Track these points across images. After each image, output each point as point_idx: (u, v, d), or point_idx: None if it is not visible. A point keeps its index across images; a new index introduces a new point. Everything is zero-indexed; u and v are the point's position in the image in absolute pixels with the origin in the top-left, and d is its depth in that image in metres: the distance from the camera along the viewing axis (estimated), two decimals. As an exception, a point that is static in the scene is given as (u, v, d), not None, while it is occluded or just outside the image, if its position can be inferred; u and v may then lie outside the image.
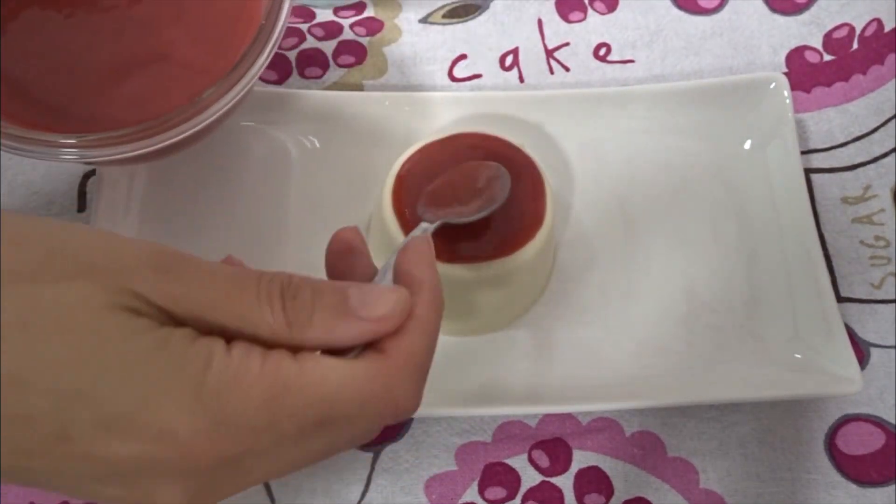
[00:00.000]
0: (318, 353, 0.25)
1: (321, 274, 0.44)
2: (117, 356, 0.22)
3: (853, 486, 0.41)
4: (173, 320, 0.23)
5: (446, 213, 0.37)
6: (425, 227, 0.35)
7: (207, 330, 0.23)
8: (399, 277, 0.28)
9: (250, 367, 0.23)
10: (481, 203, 0.38)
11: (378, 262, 0.42)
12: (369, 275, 0.29)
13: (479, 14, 0.53)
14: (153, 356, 0.22)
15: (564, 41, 0.52)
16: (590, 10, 0.53)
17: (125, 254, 0.23)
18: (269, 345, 0.24)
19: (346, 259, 0.29)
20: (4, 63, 0.38)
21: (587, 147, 0.48)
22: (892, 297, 0.45)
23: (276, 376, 0.23)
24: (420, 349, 0.26)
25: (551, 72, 0.51)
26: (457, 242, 0.39)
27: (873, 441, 0.42)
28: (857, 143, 0.49)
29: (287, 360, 0.24)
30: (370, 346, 0.26)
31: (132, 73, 0.39)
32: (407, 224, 0.40)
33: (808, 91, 0.50)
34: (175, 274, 0.23)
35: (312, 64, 0.51)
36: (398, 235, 0.40)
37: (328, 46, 0.52)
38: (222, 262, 0.28)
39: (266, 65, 0.37)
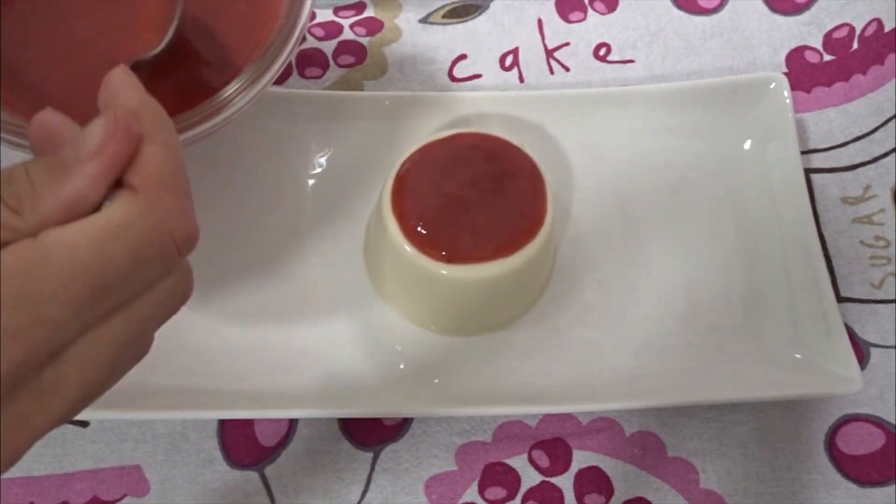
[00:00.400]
0: (63, 225, 0.22)
1: (328, 277, 0.43)
2: None
3: (853, 486, 0.41)
4: None
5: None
6: None
7: None
8: (106, 110, 0.24)
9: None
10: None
11: (373, 264, 0.42)
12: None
13: (479, 14, 0.53)
14: None
15: (564, 41, 0.52)
16: (590, 10, 0.53)
17: None
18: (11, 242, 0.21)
19: (54, 143, 0.24)
20: (5, 51, 0.37)
21: (587, 147, 0.48)
22: (892, 297, 0.45)
23: (16, 267, 0.20)
24: (167, 166, 0.24)
25: (551, 72, 0.51)
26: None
27: (873, 441, 0.42)
28: (857, 143, 0.49)
29: (24, 245, 0.21)
30: (117, 188, 0.23)
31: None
32: (407, 224, 0.40)
33: (808, 91, 0.50)
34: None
35: (312, 64, 0.51)
36: (398, 235, 0.40)
37: (328, 46, 0.52)
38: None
39: (286, 63, 0.37)
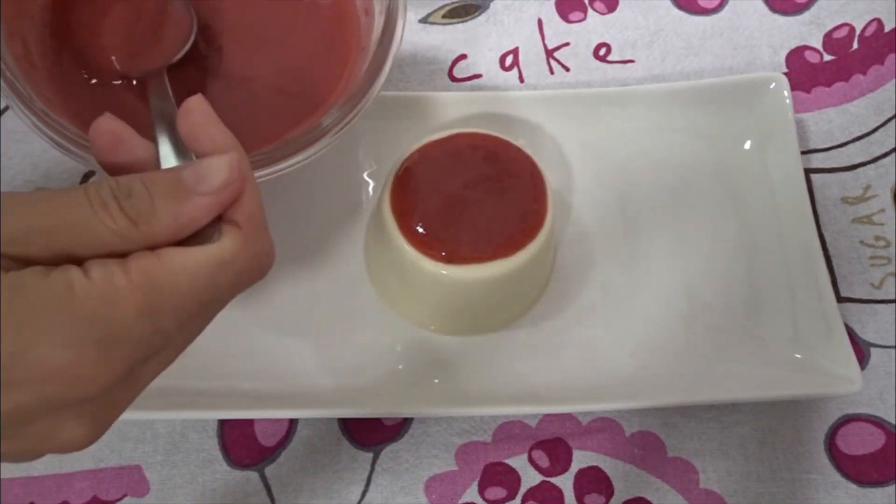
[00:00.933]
0: (180, 247, 0.24)
1: (328, 276, 0.43)
2: None
3: (853, 486, 0.41)
4: (18, 263, 0.22)
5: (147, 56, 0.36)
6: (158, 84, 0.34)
7: (57, 260, 0.23)
8: (196, 143, 0.27)
9: (115, 282, 0.22)
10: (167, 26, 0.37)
11: (373, 265, 0.42)
12: (151, 155, 0.27)
13: (479, 14, 0.53)
14: (12, 304, 0.21)
15: (564, 41, 0.52)
16: (590, 10, 0.53)
17: None
18: (124, 253, 0.23)
19: (118, 151, 0.27)
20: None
21: (587, 147, 0.48)
22: (892, 297, 0.45)
23: (145, 282, 0.23)
24: (259, 205, 0.26)
25: (551, 72, 0.51)
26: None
27: (873, 441, 0.42)
28: (857, 143, 0.49)
29: (149, 260, 0.23)
30: (220, 220, 0.25)
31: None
32: (407, 224, 0.40)
33: (808, 91, 0.50)
34: (6, 214, 0.22)
35: (312, 64, 0.51)
36: (398, 235, 0.40)
37: (328, 46, 0.52)
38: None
39: (381, 87, 0.37)
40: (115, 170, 0.27)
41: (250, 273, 0.26)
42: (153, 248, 0.24)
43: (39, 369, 0.21)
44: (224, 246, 0.25)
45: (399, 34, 0.38)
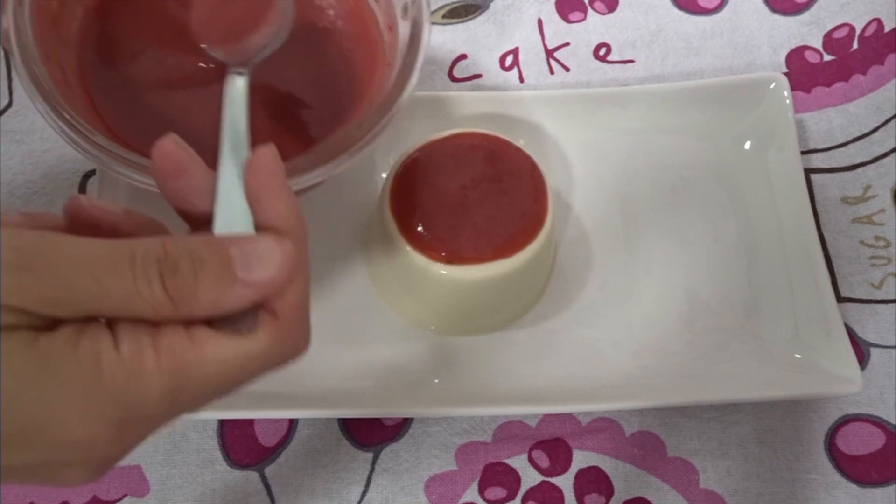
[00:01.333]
0: (213, 330, 0.23)
1: (329, 276, 0.43)
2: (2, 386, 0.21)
3: (853, 486, 0.41)
4: (50, 319, 0.22)
5: (234, 44, 0.33)
6: (237, 80, 0.31)
7: (86, 317, 0.22)
8: (257, 207, 0.26)
9: (144, 362, 0.22)
10: (271, 16, 0.34)
11: (374, 265, 0.41)
12: (209, 186, 0.26)
13: (479, 14, 0.53)
14: (38, 376, 0.21)
15: (564, 41, 0.52)
16: (590, 10, 0.53)
17: None
18: (156, 322, 0.23)
19: (179, 179, 0.26)
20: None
21: (587, 147, 0.48)
22: (892, 297, 0.45)
23: (173, 367, 0.22)
24: (305, 293, 0.25)
25: (551, 72, 0.51)
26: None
27: (873, 441, 0.41)
28: (857, 143, 0.49)
29: (181, 342, 0.23)
30: (260, 306, 0.24)
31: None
32: (407, 224, 0.40)
33: (808, 91, 0.50)
34: (40, 271, 0.21)
35: (312, 64, 0.51)
36: (398, 236, 0.40)
37: (328, 46, 0.52)
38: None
39: (409, 96, 0.37)
40: (169, 194, 0.26)
41: (280, 362, 0.25)
42: (187, 321, 0.23)
43: (54, 438, 0.22)
44: (259, 340, 0.24)
45: (424, 44, 0.38)
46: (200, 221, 0.27)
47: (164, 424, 0.24)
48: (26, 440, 0.21)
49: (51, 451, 0.22)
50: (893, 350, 0.43)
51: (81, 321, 0.22)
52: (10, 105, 0.49)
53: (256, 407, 0.39)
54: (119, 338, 0.22)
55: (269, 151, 0.26)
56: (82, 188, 0.47)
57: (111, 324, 0.23)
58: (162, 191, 0.27)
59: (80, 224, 0.26)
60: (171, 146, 0.26)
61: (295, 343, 0.25)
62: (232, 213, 0.26)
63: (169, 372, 0.22)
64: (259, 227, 0.26)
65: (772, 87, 0.46)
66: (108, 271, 0.22)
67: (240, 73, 0.32)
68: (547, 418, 0.42)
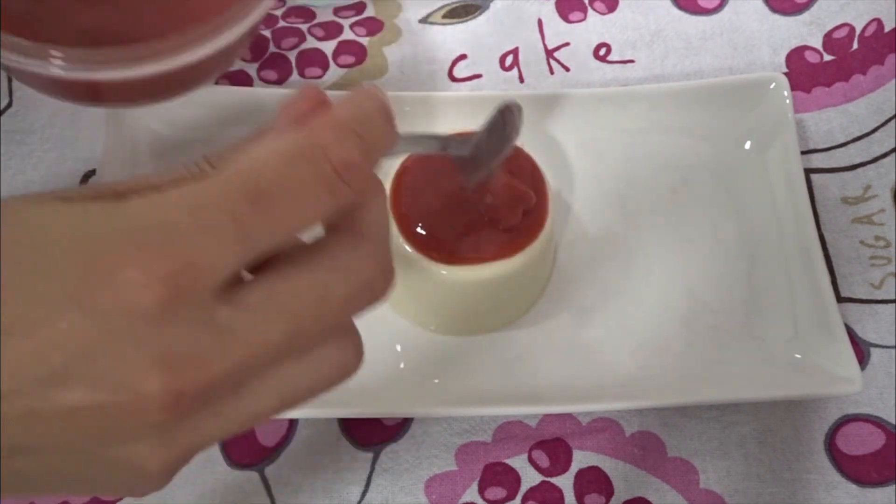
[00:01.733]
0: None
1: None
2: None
3: (853, 486, 0.41)
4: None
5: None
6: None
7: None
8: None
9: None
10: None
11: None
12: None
13: (479, 14, 0.53)
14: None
15: (564, 41, 0.52)
16: (590, 10, 0.53)
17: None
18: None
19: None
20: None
21: (587, 147, 0.48)
22: (892, 297, 0.45)
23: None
24: (386, 223, 0.25)
25: (551, 72, 0.51)
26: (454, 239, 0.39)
27: (873, 441, 0.41)
28: (857, 143, 0.49)
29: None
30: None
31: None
32: (407, 224, 0.40)
33: (808, 91, 0.50)
34: (264, 207, 0.20)
35: (312, 64, 0.51)
36: (398, 236, 0.40)
37: (328, 46, 0.52)
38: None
39: None
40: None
41: (377, 284, 0.23)
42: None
43: (127, 378, 0.19)
44: (338, 253, 0.22)
45: None
46: None
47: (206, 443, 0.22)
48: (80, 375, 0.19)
49: (120, 393, 0.19)
50: (893, 350, 0.43)
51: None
52: (10, 105, 0.49)
53: (256, 407, 0.39)
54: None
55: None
56: (82, 188, 0.47)
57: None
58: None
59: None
60: (315, 92, 0.24)
61: (388, 270, 0.24)
62: None
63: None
64: None
65: (772, 87, 0.46)
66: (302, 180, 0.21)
67: None
68: (547, 418, 0.42)
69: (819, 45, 0.52)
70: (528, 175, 0.41)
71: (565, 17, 0.53)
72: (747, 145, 0.48)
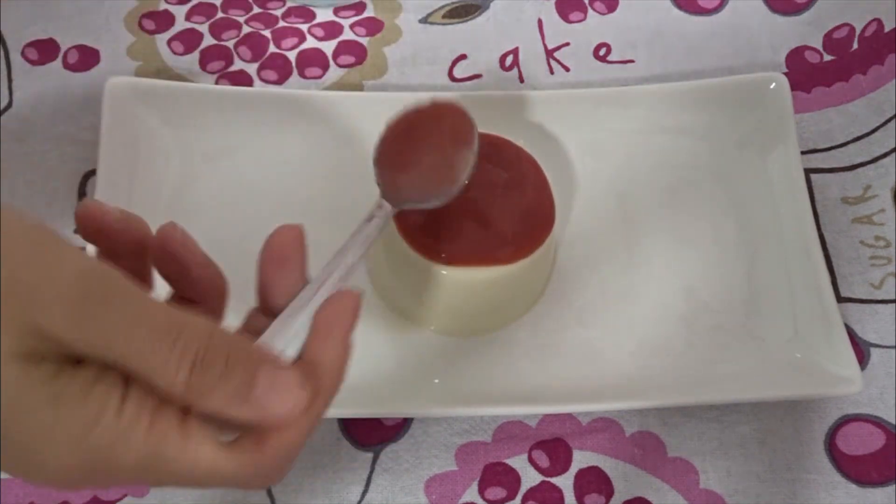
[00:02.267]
0: (202, 430, 0.24)
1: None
2: (8, 409, 0.22)
3: (853, 486, 0.41)
4: (78, 355, 0.23)
5: (406, 191, 0.36)
6: (381, 211, 0.34)
7: (108, 365, 0.23)
8: (315, 337, 0.27)
9: (135, 432, 0.23)
10: (444, 180, 0.37)
11: (373, 265, 0.41)
12: (296, 289, 0.28)
13: (479, 14, 0.53)
14: (41, 411, 0.22)
15: (564, 41, 0.52)
16: (590, 10, 0.53)
17: (44, 280, 0.22)
18: (163, 395, 0.23)
19: (277, 270, 0.28)
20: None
21: (587, 147, 0.48)
22: (892, 297, 0.45)
23: (156, 449, 0.23)
24: (300, 442, 0.26)
25: (551, 72, 0.51)
26: (448, 238, 0.39)
27: (873, 441, 0.41)
28: (857, 143, 0.49)
29: (172, 433, 0.23)
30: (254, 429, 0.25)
31: None
32: (407, 225, 0.40)
33: (808, 91, 0.50)
34: (98, 311, 0.22)
35: (312, 64, 0.51)
36: (398, 236, 0.40)
37: (328, 46, 0.52)
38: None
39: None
40: (262, 274, 0.28)
41: (244, 486, 0.26)
42: (187, 409, 0.24)
43: (30, 467, 0.23)
44: (234, 464, 0.24)
45: None
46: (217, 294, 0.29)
47: (126, 484, 0.25)
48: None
49: (24, 459, 0.23)
50: (893, 350, 0.43)
51: (102, 366, 0.23)
52: (10, 105, 0.49)
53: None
54: (127, 397, 0.23)
55: (357, 297, 0.27)
56: (82, 188, 0.47)
57: (126, 378, 0.23)
58: (259, 268, 0.28)
59: (89, 228, 0.27)
60: (288, 236, 0.27)
61: (265, 480, 0.26)
62: (289, 328, 0.27)
63: (149, 451, 0.23)
64: (302, 356, 0.27)
65: (772, 87, 0.46)
66: (154, 337, 0.23)
67: (380, 217, 0.34)
68: (547, 418, 0.42)
69: (819, 45, 0.52)
70: (530, 175, 0.41)
71: (565, 17, 0.53)
72: (747, 145, 0.48)
